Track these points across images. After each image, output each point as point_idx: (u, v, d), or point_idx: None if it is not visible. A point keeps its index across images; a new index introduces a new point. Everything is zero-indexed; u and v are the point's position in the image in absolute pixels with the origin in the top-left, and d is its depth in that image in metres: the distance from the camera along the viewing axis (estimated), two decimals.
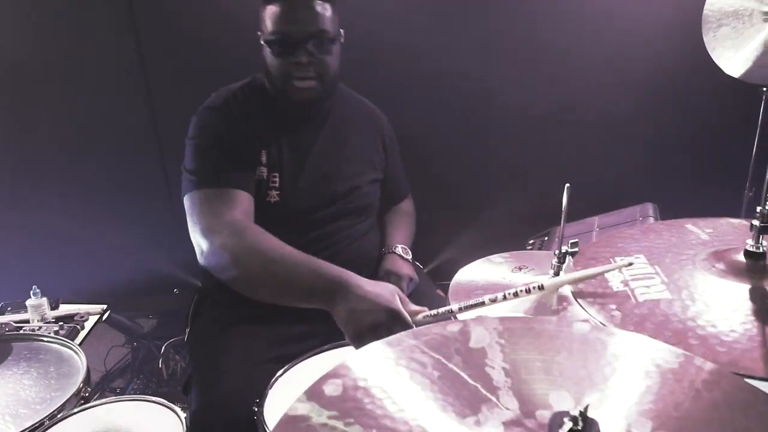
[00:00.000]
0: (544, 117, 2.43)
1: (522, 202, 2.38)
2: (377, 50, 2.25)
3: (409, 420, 0.50)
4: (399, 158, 1.72)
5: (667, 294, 0.80)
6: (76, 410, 1.14)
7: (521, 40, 2.39)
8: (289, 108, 1.43)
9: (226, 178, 1.32)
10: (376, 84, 1.79)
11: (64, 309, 1.79)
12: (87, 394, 1.23)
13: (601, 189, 2.44)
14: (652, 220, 1.50)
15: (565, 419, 0.45)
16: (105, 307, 1.82)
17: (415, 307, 1.08)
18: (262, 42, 1.39)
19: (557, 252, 1.04)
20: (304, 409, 0.54)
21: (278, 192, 1.39)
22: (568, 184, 1.00)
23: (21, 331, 1.51)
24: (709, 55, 2.15)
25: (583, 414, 0.45)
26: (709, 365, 0.57)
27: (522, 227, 2.04)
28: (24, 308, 1.70)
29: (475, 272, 1.19)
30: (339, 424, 0.50)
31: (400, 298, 1.08)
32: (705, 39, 2.22)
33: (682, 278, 0.84)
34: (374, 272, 1.52)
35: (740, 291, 0.79)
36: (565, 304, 1.03)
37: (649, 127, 2.53)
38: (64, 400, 1.17)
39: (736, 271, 0.82)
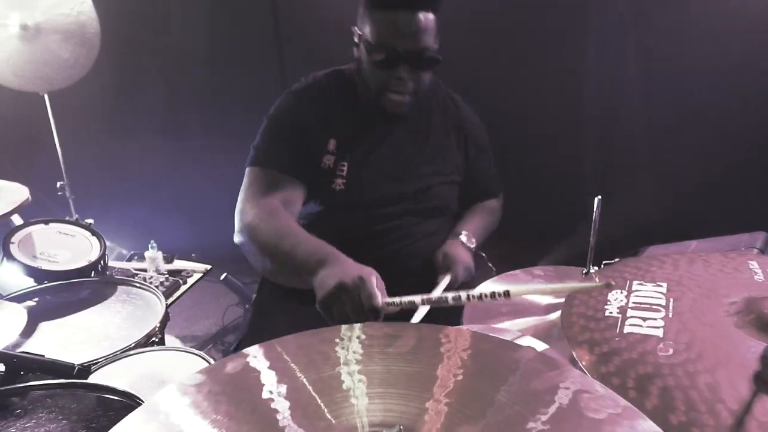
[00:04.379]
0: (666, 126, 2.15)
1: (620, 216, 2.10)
2: None
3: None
4: (489, 158, 1.60)
5: (659, 332, 0.68)
6: (132, 352, 1.28)
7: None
8: (373, 109, 1.41)
9: (280, 161, 1.35)
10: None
11: (177, 264, 2.03)
12: (157, 339, 1.40)
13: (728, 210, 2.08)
14: (755, 252, 1.24)
15: None
16: (209, 267, 2.01)
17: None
18: (356, 39, 1.38)
19: (585, 272, 0.93)
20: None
21: (344, 181, 1.38)
22: (599, 196, 0.88)
23: (124, 277, 1.73)
24: None
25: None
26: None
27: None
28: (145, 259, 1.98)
29: (505, 283, 1.11)
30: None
31: (378, 285, 1.02)
32: None
33: (690, 319, 0.70)
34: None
35: (752, 349, 0.64)
36: None
37: None
38: (136, 339, 1.34)
39: (762, 325, 0.67)
